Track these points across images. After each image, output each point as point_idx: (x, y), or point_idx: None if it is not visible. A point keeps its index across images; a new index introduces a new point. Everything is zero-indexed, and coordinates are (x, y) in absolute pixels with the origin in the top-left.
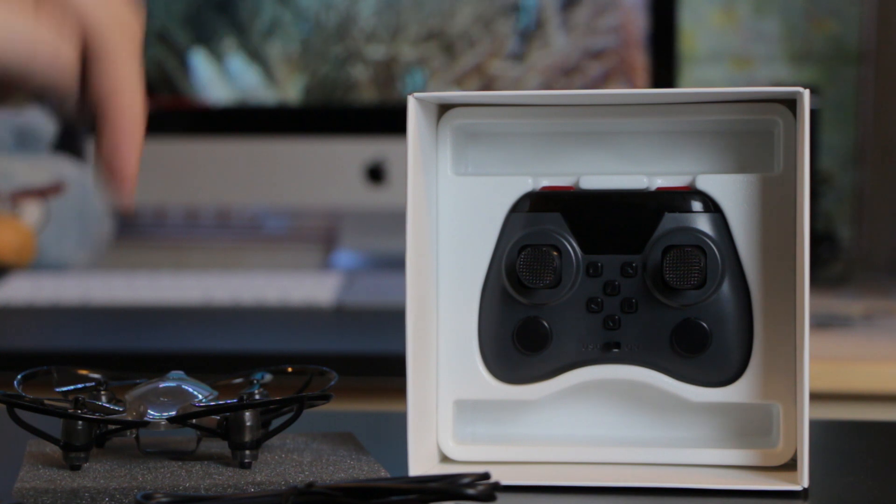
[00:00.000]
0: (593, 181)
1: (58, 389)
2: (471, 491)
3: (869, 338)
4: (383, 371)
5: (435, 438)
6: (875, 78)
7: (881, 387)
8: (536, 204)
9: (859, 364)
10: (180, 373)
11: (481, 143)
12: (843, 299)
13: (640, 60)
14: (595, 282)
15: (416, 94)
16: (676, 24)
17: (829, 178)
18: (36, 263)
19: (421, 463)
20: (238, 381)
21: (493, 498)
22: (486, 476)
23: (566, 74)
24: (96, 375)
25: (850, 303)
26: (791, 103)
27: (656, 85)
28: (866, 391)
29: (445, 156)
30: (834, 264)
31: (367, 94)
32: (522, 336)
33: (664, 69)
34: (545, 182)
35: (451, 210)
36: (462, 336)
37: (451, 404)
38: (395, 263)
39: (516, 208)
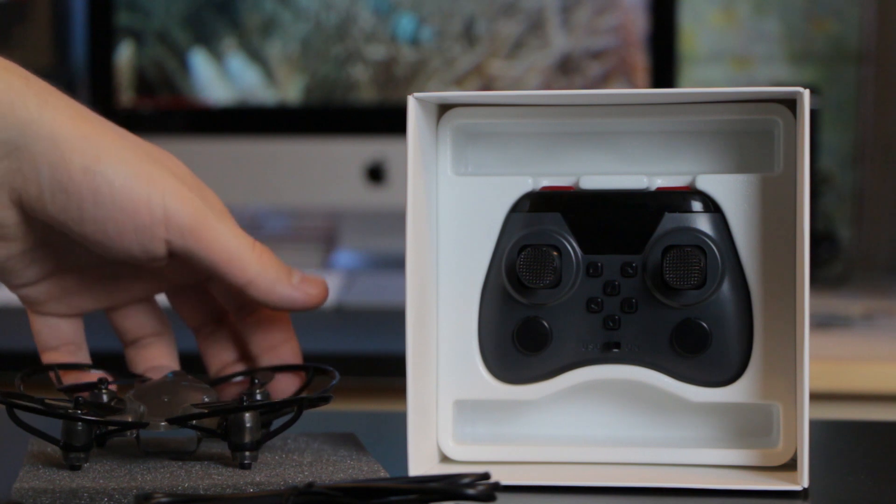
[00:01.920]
0: (593, 181)
1: (59, 389)
2: (471, 491)
3: (869, 338)
4: (383, 371)
5: (435, 438)
6: (875, 78)
7: (881, 387)
8: (536, 204)
9: (859, 364)
10: (181, 372)
11: (481, 143)
12: (843, 299)
13: (640, 60)
14: (595, 282)
15: (415, 95)
16: (676, 24)
17: (829, 178)
18: None
19: (421, 463)
20: (238, 380)
21: (493, 498)
22: (486, 476)
23: (566, 74)
24: (97, 373)
25: (850, 303)
26: (791, 103)
27: (656, 85)
28: (866, 391)
29: (445, 156)
30: (834, 264)
31: (367, 94)
32: (522, 336)
33: (664, 69)
34: (545, 182)
35: (451, 210)
36: (462, 336)
37: (451, 404)
38: (395, 263)
39: (516, 208)
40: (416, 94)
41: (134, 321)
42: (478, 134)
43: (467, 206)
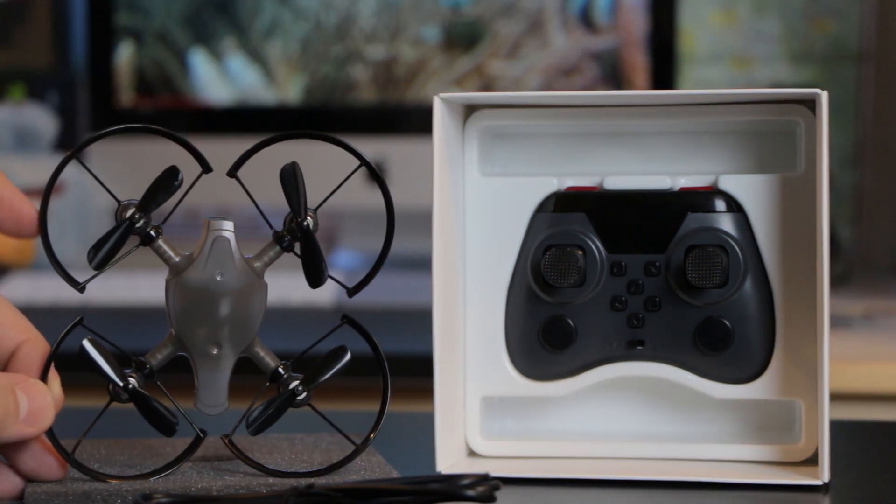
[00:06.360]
0: (617, 181)
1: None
2: (470, 492)
3: (869, 338)
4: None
5: (463, 434)
6: (875, 78)
7: (881, 387)
8: (561, 204)
9: (859, 364)
10: None
11: (507, 144)
12: (843, 299)
13: (640, 60)
14: (619, 281)
15: (441, 95)
16: (676, 24)
17: (830, 178)
18: (36, 263)
19: (448, 458)
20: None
21: (492, 499)
22: (486, 477)
23: (566, 74)
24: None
25: (850, 303)
26: (811, 104)
27: (656, 85)
28: (866, 391)
29: (472, 157)
30: (834, 264)
31: (367, 94)
32: (548, 334)
33: (664, 69)
34: (570, 182)
35: (478, 210)
36: (489, 334)
37: (478, 400)
38: (396, 263)
39: (542, 208)
40: (441, 95)
41: None
42: (504, 135)
43: (493, 207)
